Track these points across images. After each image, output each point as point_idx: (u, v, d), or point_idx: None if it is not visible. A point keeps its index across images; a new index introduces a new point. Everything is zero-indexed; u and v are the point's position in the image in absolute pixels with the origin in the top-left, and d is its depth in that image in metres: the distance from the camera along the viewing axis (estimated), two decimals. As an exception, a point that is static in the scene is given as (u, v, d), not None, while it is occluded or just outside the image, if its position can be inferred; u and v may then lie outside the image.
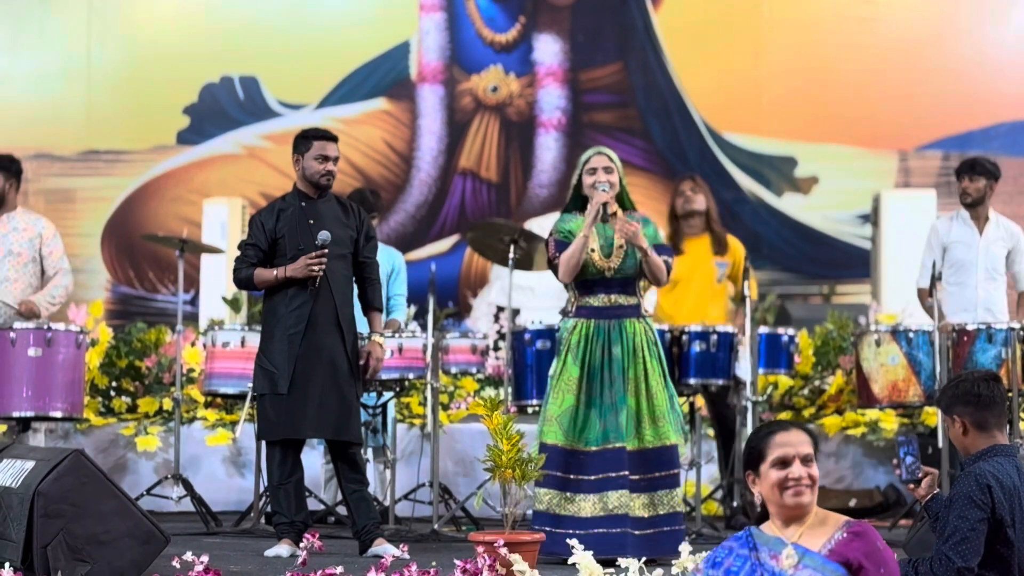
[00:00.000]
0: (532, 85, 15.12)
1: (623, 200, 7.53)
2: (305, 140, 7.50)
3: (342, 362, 7.31)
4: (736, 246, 9.37)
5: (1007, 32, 14.87)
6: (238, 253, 7.46)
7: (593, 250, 7.33)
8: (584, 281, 7.40)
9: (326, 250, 7.28)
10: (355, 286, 7.54)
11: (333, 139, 7.52)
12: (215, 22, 15.23)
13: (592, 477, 7.19)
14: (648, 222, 7.53)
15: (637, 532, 7.14)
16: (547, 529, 7.02)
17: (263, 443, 7.67)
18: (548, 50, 15.19)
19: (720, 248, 9.34)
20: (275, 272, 7.32)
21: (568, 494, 7.21)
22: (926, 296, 8.89)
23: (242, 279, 7.41)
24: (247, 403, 8.14)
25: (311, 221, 7.39)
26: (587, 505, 7.18)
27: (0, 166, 9.06)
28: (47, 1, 15.27)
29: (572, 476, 7.21)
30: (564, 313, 7.54)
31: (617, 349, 7.29)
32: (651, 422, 7.27)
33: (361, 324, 7.56)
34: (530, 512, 7.46)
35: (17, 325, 8.48)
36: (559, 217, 7.57)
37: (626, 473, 7.16)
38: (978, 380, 5.42)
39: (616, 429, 7.21)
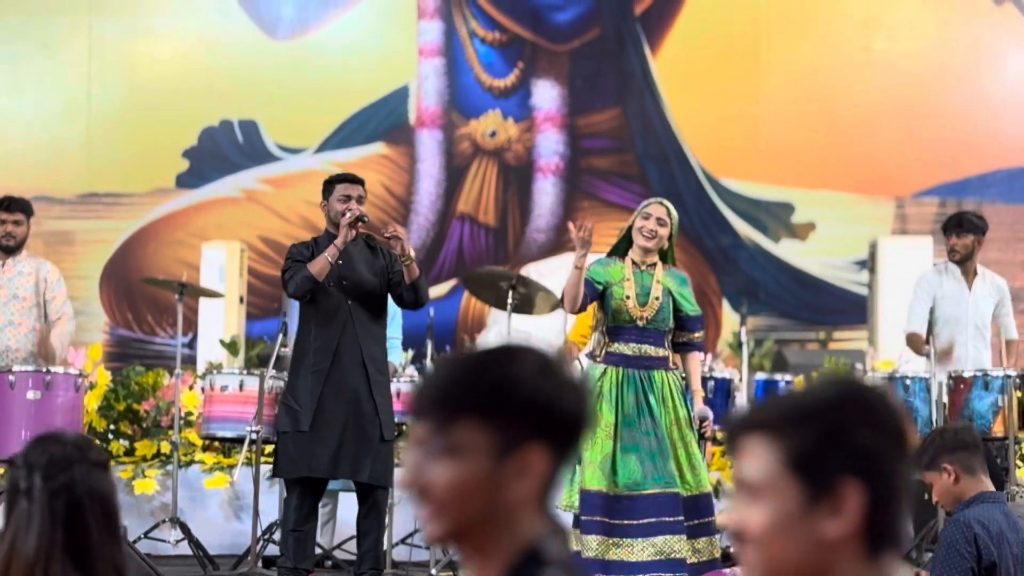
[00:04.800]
0: (530, 130, 15.16)
1: (665, 255, 7.52)
2: (330, 184, 7.70)
3: (366, 402, 7.32)
4: None
5: (1004, 79, 14.93)
6: (285, 275, 7.48)
7: (628, 297, 7.34)
8: (616, 327, 7.40)
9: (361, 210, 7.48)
10: (384, 326, 7.62)
11: (357, 181, 7.73)
12: (215, 65, 15.27)
13: (641, 521, 7.14)
14: (686, 281, 7.55)
15: None
16: None
17: (260, 487, 7.67)
18: (546, 95, 15.23)
19: None
20: (325, 254, 7.35)
21: (614, 539, 7.16)
22: (919, 340, 8.89)
23: (300, 278, 7.33)
24: (245, 447, 8.15)
25: (340, 262, 7.44)
26: (636, 549, 7.13)
27: (25, 210, 8.97)
28: (47, 43, 15.31)
29: (617, 521, 7.16)
30: (592, 357, 7.52)
31: (652, 398, 7.29)
32: (690, 469, 7.28)
33: (392, 355, 7.62)
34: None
35: (16, 368, 8.48)
36: (598, 259, 7.56)
37: (682, 518, 7.15)
38: (956, 429, 5.43)
39: (669, 475, 7.18)
